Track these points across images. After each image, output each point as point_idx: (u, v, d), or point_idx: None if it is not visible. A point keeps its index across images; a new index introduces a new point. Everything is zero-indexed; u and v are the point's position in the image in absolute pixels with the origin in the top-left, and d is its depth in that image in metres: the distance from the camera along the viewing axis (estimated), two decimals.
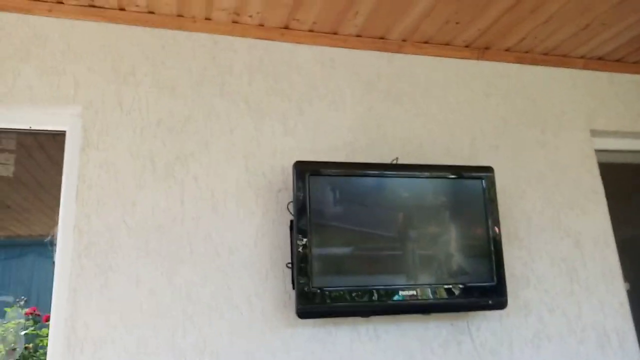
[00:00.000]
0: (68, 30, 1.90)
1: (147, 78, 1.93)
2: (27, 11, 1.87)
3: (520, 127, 2.35)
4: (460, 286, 1.87)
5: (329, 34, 2.19)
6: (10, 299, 1.90)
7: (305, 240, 1.75)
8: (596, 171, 2.40)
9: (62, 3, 1.89)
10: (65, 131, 1.87)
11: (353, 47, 2.23)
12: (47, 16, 1.89)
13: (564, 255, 2.21)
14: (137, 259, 1.74)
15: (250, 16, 2.04)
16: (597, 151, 2.47)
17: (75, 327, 1.63)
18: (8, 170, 2.09)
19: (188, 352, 1.70)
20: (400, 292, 1.81)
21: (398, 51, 2.29)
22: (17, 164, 2.16)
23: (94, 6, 1.92)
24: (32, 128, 1.86)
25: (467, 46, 2.37)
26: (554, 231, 2.23)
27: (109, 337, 1.65)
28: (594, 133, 2.48)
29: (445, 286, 1.86)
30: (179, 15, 2.01)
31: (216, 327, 1.74)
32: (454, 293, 1.86)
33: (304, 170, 1.82)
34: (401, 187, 1.91)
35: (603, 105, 2.53)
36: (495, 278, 1.91)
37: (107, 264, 1.71)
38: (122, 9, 1.94)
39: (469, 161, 2.21)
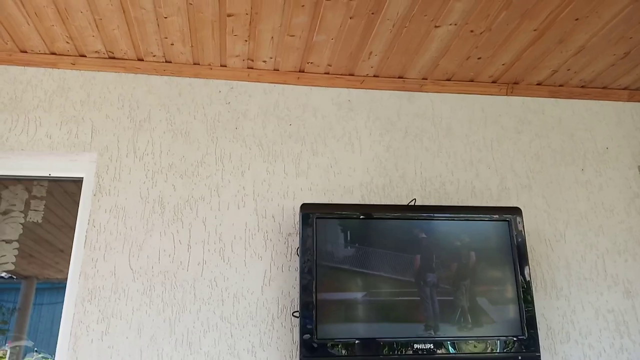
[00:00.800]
0: (89, 81, 1.97)
1: (162, 124, 1.96)
2: (53, 65, 1.96)
3: (557, 165, 2.16)
4: (485, 340, 1.68)
5: (345, 75, 2.14)
6: (30, 343, 1.90)
7: (311, 287, 1.65)
8: None
9: (84, 56, 1.98)
10: (82, 177, 1.91)
11: (371, 88, 2.17)
12: (70, 69, 1.97)
13: (611, 306, 1.95)
14: (140, 305, 1.70)
15: (264, 61, 2.04)
16: None
17: None
18: (38, 216, 2.15)
19: None
20: (416, 345, 1.65)
21: (419, 90, 2.20)
22: (46, 209, 2.22)
23: (114, 57, 1.99)
24: (52, 175, 1.92)
25: (494, 82, 2.24)
26: (598, 279, 1.99)
27: None
28: None
29: (468, 339, 1.67)
30: (196, 64, 2.05)
31: None
32: (478, 347, 1.67)
33: (311, 213, 1.73)
34: (418, 229, 1.77)
35: None
36: (525, 330, 1.70)
37: (110, 310, 1.68)
38: (140, 59, 2.00)
39: (497, 203, 2.04)
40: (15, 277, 2.20)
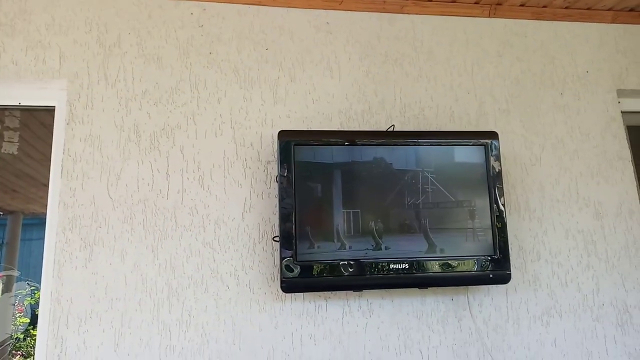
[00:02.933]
0: (52, 3, 1.84)
1: (132, 49, 1.85)
2: None
3: (536, 89, 2.12)
4: (459, 259, 1.72)
5: None
6: (17, 273, 1.90)
7: (290, 212, 1.65)
8: (623, 135, 2.14)
9: None
10: (54, 106, 1.83)
11: (350, 9, 2.06)
12: None
13: (581, 227, 2.00)
14: (121, 232, 1.69)
15: None
16: (625, 113, 2.20)
17: (60, 300, 1.62)
18: (13, 148, 2.08)
19: (173, 327, 1.65)
20: (393, 265, 1.68)
21: (400, 11, 2.09)
22: (22, 141, 2.14)
23: None
24: (22, 104, 1.83)
25: (476, 2, 2.14)
26: (570, 201, 2.02)
27: (93, 311, 1.62)
28: (622, 93, 2.20)
29: (443, 259, 1.71)
30: None
31: (201, 302, 1.68)
32: (452, 266, 1.71)
33: (289, 140, 1.69)
34: (396, 155, 1.75)
35: (635, 62, 2.24)
36: (497, 251, 1.74)
37: (91, 238, 1.67)
38: None
39: (475, 128, 2.02)
40: (1, 213, 2.16)
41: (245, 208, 1.78)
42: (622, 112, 2.18)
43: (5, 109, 1.87)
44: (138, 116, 1.79)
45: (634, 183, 2.09)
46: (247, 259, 1.74)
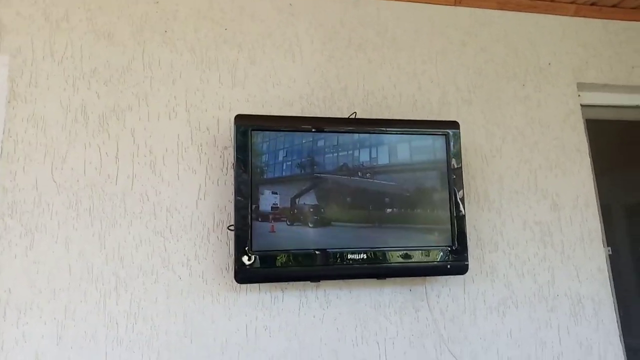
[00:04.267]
0: None
1: (82, 24, 1.72)
2: None
3: (499, 80, 2.09)
4: (417, 249, 1.68)
5: None
6: None
7: (244, 200, 1.57)
8: (581, 128, 2.14)
9: None
10: None
11: None
12: None
13: (539, 219, 1.99)
14: (66, 219, 1.58)
15: None
16: (584, 106, 2.20)
17: None
18: None
19: (120, 319, 1.55)
20: (351, 256, 1.63)
21: None
22: None
23: None
24: None
25: None
26: (529, 193, 2.01)
27: (34, 302, 1.51)
28: (582, 87, 2.20)
29: (401, 249, 1.67)
30: None
31: (151, 292, 1.59)
32: (410, 257, 1.67)
33: (246, 125, 1.61)
34: (357, 143, 1.69)
35: (595, 55, 2.24)
36: (455, 241, 1.71)
37: (33, 224, 1.55)
38: None
39: (437, 117, 1.97)
40: None
41: (200, 195, 1.69)
42: (581, 105, 2.18)
43: None
44: (86, 96, 1.67)
45: (591, 175, 2.09)
46: (201, 248, 1.66)
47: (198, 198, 1.69)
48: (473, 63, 2.08)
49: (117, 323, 1.55)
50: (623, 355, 1.96)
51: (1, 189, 1.56)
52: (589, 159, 2.11)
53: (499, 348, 1.83)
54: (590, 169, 2.11)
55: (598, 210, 2.08)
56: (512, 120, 2.06)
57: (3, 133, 1.59)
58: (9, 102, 1.62)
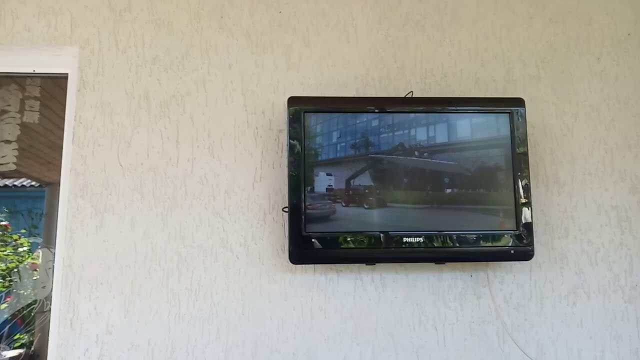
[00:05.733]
0: None
1: (143, 13, 1.76)
2: None
3: (571, 54, 1.91)
4: (479, 233, 1.58)
5: None
6: (39, 240, 1.90)
7: (298, 182, 1.54)
8: None
9: None
10: (67, 73, 1.77)
11: None
12: None
13: (615, 203, 1.81)
14: (132, 200, 1.63)
15: None
16: None
17: (72, 266, 1.58)
18: (34, 117, 2.05)
19: (182, 295, 1.59)
20: (407, 239, 1.56)
21: None
22: (44, 108, 2.11)
23: None
24: (36, 71, 1.78)
25: None
26: (604, 175, 1.82)
27: (104, 278, 1.58)
28: None
29: (461, 233, 1.57)
30: None
31: (211, 271, 1.61)
32: (470, 241, 1.57)
33: (299, 107, 1.58)
34: (413, 122, 1.61)
35: None
36: (520, 226, 1.59)
37: (102, 205, 1.62)
38: None
39: (502, 95, 1.83)
40: (41, 185, 2.16)
41: (256, 178, 1.69)
42: None
43: (20, 76, 1.83)
44: (148, 83, 1.71)
45: None
46: (257, 229, 1.66)
47: (254, 180, 1.68)
48: (541, 37, 1.91)
49: (179, 299, 1.59)
50: None
51: (74, 173, 1.64)
52: None
53: (569, 339, 1.69)
54: None
55: None
56: (585, 97, 1.87)
57: (75, 120, 1.67)
58: (79, 90, 1.69)
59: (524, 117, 1.63)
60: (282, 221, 1.66)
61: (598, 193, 1.81)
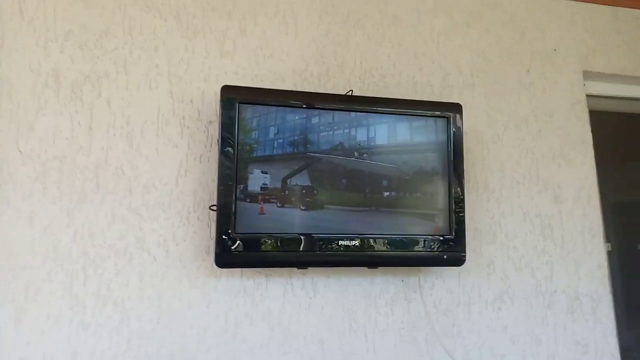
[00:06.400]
0: None
1: None
2: None
3: (503, 64, 1.94)
4: (413, 238, 1.53)
5: None
6: None
7: (230, 179, 1.41)
8: (586, 118, 2.00)
9: None
10: None
11: None
12: None
13: (539, 210, 1.85)
14: (32, 192, 1.41)
15: None
16: (589, 96, 2.06)
17: None
18: None
19: (88, 301, 1.39)
20: (342, 242, 1.48)
21: None
22: None
23: None
24: None
25: None
26: (530, 183, 1.87)
27: None
28: (588, 75, 2.05)
29: (396, 237, 1.52)
30: None
31: (123, 274, 1.43)
32: (405, 245, 1.52)
33: (234, 97, 1.44)
34: (354, 122, 1.53)
35: (602, 44, 2.09)
36: (453, 231, 1.56)
37: None
38: None
39: (439, 100, 1.82)
40: None
41: (181, 172, 1.53)
42: (586, 95, 2.03)
43: None
44: (59, 60, 1.49)
45: (594, 168, 1.95)
46: (180, 229, 1.50)
47: (178, 175, 1.52)
48: (477, 46, 1.92)
49: (84, 306, 1.38)
50: (619, 356, 1.83)
51: None
52: (592, 151, 1.97)
53: (493, 344, 1.70)
54: (594, 162, 1.97)
55: (599, 205, 1.94)
56: (515, 107, 1.91)
57: None
58: None
59: (461, 122, 1.62)
60: (208, 220, 1.52)
61: (524, 201, 1.84)
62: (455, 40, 1.90)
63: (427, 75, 1.83)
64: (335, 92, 1.70)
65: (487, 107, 1.88)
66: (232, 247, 1.39)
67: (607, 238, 2.00)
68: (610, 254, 1.98)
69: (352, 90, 1.68)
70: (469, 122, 1.82)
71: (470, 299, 1.71)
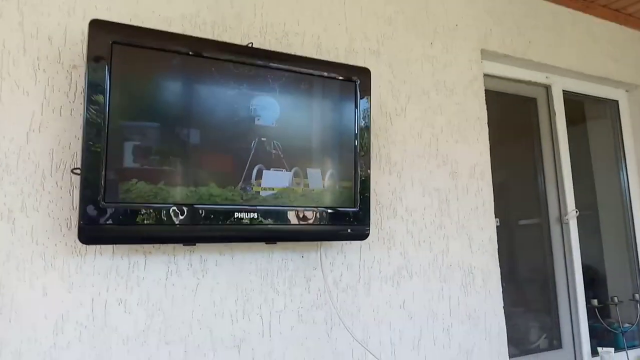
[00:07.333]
0: None
1: None
2: None
3: (408, 34, 1.88)
4: (314, 210, 1.40)
5: None
6: None
7: (97, 134, 1.14)
8: (482, 96, 2.03)
9: None
10: None
11: None
12: None
13: (438, 185, 1.84)
14: None
15: None
16: (486, 76, 2.10)
17: None
18: None
19: None
20: (237, 214, 1.29)
21: None
22: None
23: None
24: None
25: None
26: (430, 157, 1.84)
27: None
28: (485, 54, 2.09)
29: (296, 209, 1.37)
30: None
31: None
32: (306, 218, 1.39)
33: (106, 36, 1.17)
34: (251, 79, 1.34)
35: (498, 24, 2.14)
36: (358, 204, 1.47)
37: None
38: None
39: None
40: None
41: (33, 126, 1.22)
42: (484, 74, 2.07)
43: None
44: None
45: (488, 145, 2.00)
46: (31, 196, 1.19)
47: (30, 130, 1.21)
48: (383, 12, 1.83)
49: None
50: (504, 327, 1.91)
51: None
52: (487, 129, 2.01)
53: (392, 321, 1.65)
54: (487, 139, 2.01)
55: (491, 181, 2.00)
56: (418, 79, 1.87)
57: None
58: None
59: (369, 89, 1.51)
60: (69, 187, 1.23)
61: (424, 175, 1.82)
62: (362, 3, 1.79)
63: (333, 38, 1.70)
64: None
65: (391, 77, 1.80)
66: (101, 220, 1.13)
67: (496, 214, 2.07)
68: (498, 229, 2.05)
69: (252, 42, 1.49)
70: (373, 92, 1.72)
71: (371, 275, 1.64)
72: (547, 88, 2.37)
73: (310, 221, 1.38)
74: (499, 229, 2.04)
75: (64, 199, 1.22)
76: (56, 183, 1.22)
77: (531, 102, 2.37)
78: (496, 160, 2.04)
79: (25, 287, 1.17)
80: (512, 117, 2.36)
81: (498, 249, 1.97)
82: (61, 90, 1.25)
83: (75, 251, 1.22)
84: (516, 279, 2.28)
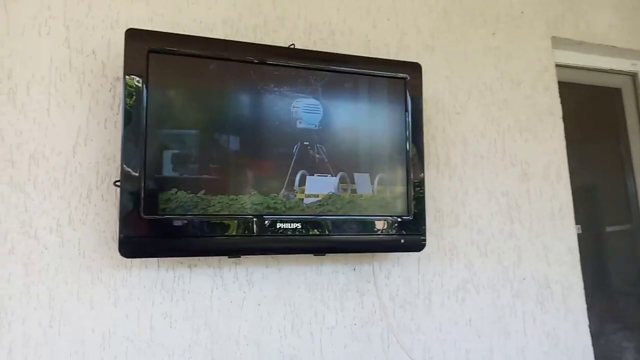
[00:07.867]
0: None
1: None
2: None
3: (466, 26, 1.74)
4: (365, 220, 1.31)
5: None
6: None
7: (138, 146, 1.13)
8: (555, 89, 1.84)
9: None
10: None
11: None
12: None
13: (506, 189, 1.67)
14: None
15: None
16: (558, 66, 1.90)
17: None
18: None
19: None
20: (281, 224, 1.23)
21: None
22: None
23: None
24: None
25: None
26: (495, 158, 1.68)
27: None
28: (556, 42, 1.89)
29: (345, 219, 1.29)
30: None
31: (2, 266, 1.13)
32: (356, 228, 1.30)
33: (142, 44, 1.17)
34: (293, 81, 1.29)
35: (571, 9, 1.93)
36: (411, 212, 1.35)
37: None
38: None
39: None
40: None
41: (79, 140, 1.24)
42: (555, 64, 1.87)
43: None
44: None
45: (564, 143, 1.80)
46: (78, 210, 1.21)
47: (76, 143, 1.23)
48: (437, 3, 1.72)
49: None
50: (591, 347, 1.69)
51: None
52: (562, 125, 1.81)
53: (457, 339, 1.51)
54: (563, 136, 1.81)
55: (569, 183, 1.79)
56: (479, 73, 1.72)
57: None
58: None
59: (420, 85, 1.40)
60: (114, 200, 1.24)
61: (489, 179, 1.66)
62: None
63: (382, 34, 1.61)
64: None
65: (448, 72, 1.68)
66: (142, 232, 1.12)
67: (576, 220, 1.85)
68: (579, 237, 1.83)
69: (293, 44, 1.43)
70: (429, 90, 1.61)
71: (431, 289, 1.51)
72: (634, 76, 2.11)
73: (359, 231, 1.29)
74: (581, 237, 1.82)
75: (109, 212, 1.23)
76: (102, 196, 1.23)
77: (615, 93, 2.12)
78: (575, 160, 1.84)
79: (73, 300, 1.18)
80: (591, 111, 2.13)
81: (581, 259, 1.75)
82: (105, 102, 1.27)
83: (121, 264, 1.22)
84: (606, 293, 2.03)
